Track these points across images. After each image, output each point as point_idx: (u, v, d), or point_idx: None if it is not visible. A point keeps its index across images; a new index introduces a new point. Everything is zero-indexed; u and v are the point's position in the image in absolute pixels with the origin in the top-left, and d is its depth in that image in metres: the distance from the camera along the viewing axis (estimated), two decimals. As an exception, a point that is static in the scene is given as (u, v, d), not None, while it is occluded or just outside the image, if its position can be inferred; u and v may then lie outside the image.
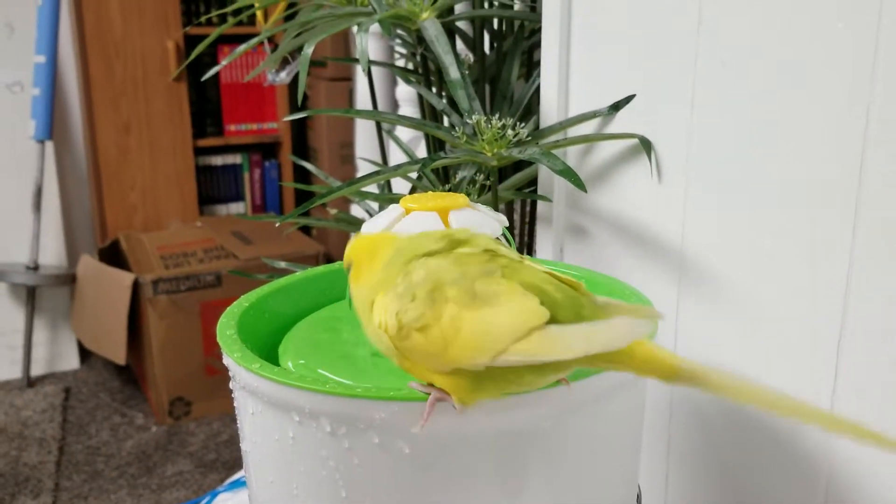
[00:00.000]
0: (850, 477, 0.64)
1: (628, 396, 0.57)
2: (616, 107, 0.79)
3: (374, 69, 1.49)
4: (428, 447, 0.50)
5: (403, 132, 1.42)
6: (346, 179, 0.85)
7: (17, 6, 1.95)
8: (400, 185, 1.25)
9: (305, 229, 2.21)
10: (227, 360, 0.56)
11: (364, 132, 1.65)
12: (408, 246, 0.48)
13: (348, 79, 2.10)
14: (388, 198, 0.92)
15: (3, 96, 1.97)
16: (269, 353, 0.63)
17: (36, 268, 1.96)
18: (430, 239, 0.48)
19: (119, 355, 1.85)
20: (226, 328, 0.59)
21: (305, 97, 2.28)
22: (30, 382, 2.00)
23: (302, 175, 2.36)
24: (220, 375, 1.86)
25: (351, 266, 0.50)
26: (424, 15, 0.89)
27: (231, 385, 0.59)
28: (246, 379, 0.54)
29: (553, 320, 0.43)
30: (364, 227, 0.61)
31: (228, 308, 0.62)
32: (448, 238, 0.47)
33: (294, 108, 2.27)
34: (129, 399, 1.95)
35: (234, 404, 0.59)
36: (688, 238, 0.74)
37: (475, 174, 0.87)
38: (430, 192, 0.64)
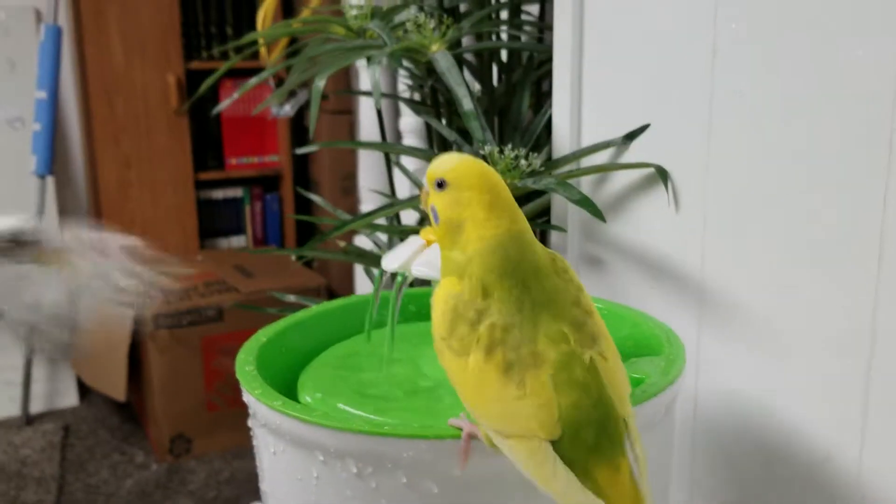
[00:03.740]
0: (880, 511, 0.62)
1: (656, 437, 0.55)
2: (630, 136, 0.79)
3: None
4: (457, 487, 0.49)
5: (409, 163, 1.42)
6: (348, 211, 0.85)
7: (18, 42, 1.95)
8: (408, 215, 1.24)
9: (307, 263, 2.20)
10: (247, 397, 0.55)
11: (367, 163, 1.64)
12: (518, 266, 0.46)
13: (349, 112, 2.10)
14: (398, 229, 0.91)
15: (4, 132, 1.97)
16: (287, 389, 0.61)
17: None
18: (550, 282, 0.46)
19: (119, 391, 1.83)
20: (244, 364, 0.58)
21: (307, 130, 2.28)
22: (28, 420, 1.97)
23: (302, 207, 2.35)
24: (221, 411, 1.84)
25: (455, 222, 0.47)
26: (434, 47, 0.89)
27: (250, 422, 0.57)
28: (267, 417, 0.52)
29: (570, 431, 0.43)
30: (385, 262, 0.60)
31: (246, 343, 0.61)
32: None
33: (297, 139, 2.27)
34: (128, 436, 1.92)
35: (254, 442, 0.57)
36: (707, 268, 0.74)
37: (487, 205, 0.86)
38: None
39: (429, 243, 0.60)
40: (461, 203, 0.47)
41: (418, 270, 0.57)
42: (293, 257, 2.14)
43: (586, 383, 0.44)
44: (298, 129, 2.27)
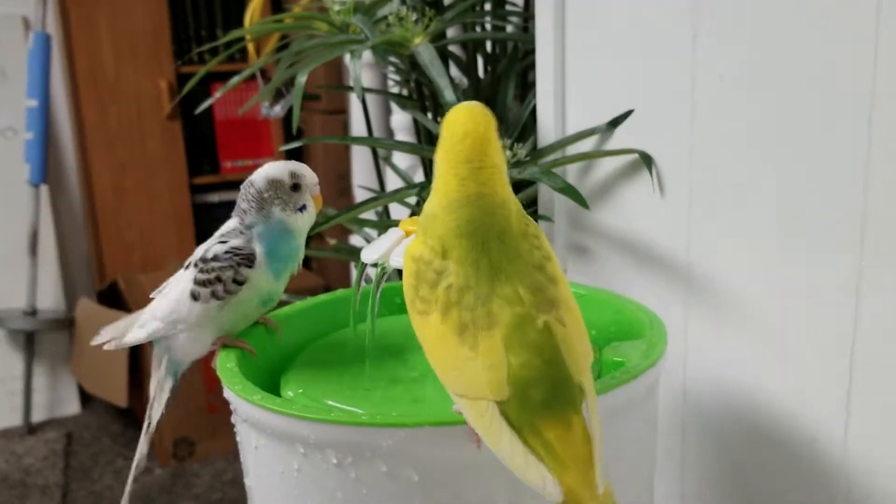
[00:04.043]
0: (866, 493, 0.62)
1: (639, 419, 0.55)
2: (614, 123, 0.79)
3: (369, 99, 1.49)
4: (437, 474, 0.49)
5: (401, 162, 1.42)
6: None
7: (7, 52, 1.96)
8: (398, 213, 1.24)
9: (306, 263, 2.20)
10: (227, 394, 0.55)
11: (361, 163, 1.64)
12: (482, 225, 0.46)
13: (343, 111, 2.10)
14: (387, 223, 0.91)
15: (-3, 141, 1.97)
16: (271, 385, 0.61)
17: (34, 313, 1.94)
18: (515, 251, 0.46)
19: (120, 397, 1.83)
20: (226, 361, 0.58)
21: (301, 131, 2.29)
22: (30, 429, 1.97)
23: (299, 209, 2.35)
24: (223, 413, 1.83)
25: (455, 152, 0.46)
26: (417, 40, 0.89)
27: (233, 419, 0.57)
28: (248, 412, 0.52)
29: (519, 390, 0.43)
30: (364, 254, 0.60)
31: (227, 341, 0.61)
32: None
33: (291, 141, 2.27)
34: (131, 442, 1.92)
35: (237, 439, 0.57)
36: (693, 251, 0.73)
37: (474, 197, 0.86)
38: (429, 215, 0.63)
39: (408, 234, 0.59)
40: (437, 151, 0.47)
41: (397, 262, 0.57)
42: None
43: (538, 345, 0.44)
44: (291, 130, 2.27)
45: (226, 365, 0.57)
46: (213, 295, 0.59)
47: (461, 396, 0.44)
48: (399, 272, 0.66)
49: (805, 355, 0.65)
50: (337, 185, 2.16)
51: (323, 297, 0.70)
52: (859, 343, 0.60)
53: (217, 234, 0.63)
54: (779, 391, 0.67)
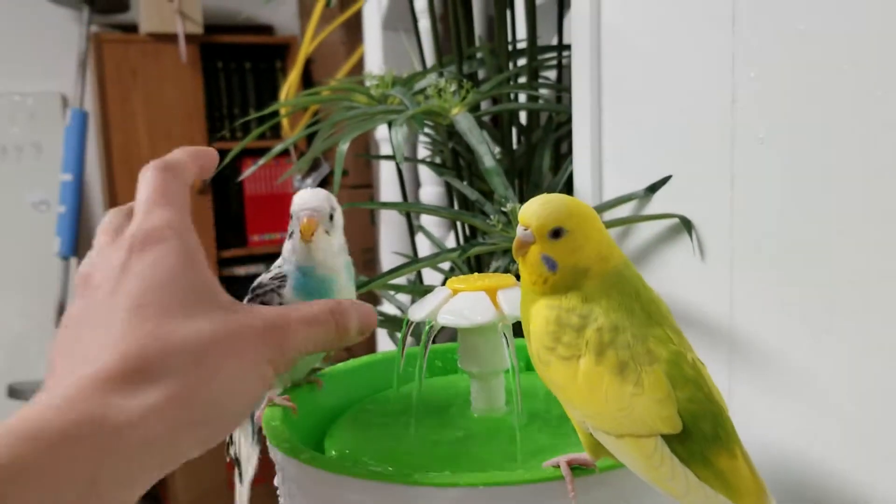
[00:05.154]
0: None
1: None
2: (652, 189, 0.79)
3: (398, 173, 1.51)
4: (493, 537, 0.47)
5: (431, 228, 1.43)
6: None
7: (44, 127, 2.02)
8: (430, 277, 1.24)
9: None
10: (274, 454, 0.54)
11: (389, 234, 1.65)
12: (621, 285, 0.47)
13: (369, 186, 2.13)
14: (423, 289, 0.91)
15: (29, 215, 2.01)
16: (314, 446, 0.60)
17: (58, 384, 1.94)
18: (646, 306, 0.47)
19: (141, 472, 1.80)
20: (271, 419, 0.57)
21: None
22: (48, 504, 1.94)
23: (324, 283, 2.36)
24: (244, 490, 1.80)
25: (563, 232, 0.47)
26: (455, 111, 0.91)
27: (276, 482, 0.56)
28: (295, 472, 0.51)
29: (690, 424, 0.44)
30: (411, 312, 0.60)
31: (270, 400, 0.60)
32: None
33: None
34: (150, 518, 1.89)
35: (280, 501, 0.56)
36: (736, 317, 0.72)
37: (509, 264, 0.86)
38: (475, 274, 0.63)
39: (455, 292, 0.59)
40: (585, 247, 0.47)
41: (445, 319, 0.57)
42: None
43: (696, 380, 0.45)
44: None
45: (271, 423, 0.56)
46: None
47: (622, 437, 0.44)
48: (443, 336, 0.66)
49: (857, 417, 0.63)
50: (362, 258, 2.17)
51: (365, 359, 0.70)
52: (918, 407, 0.59)
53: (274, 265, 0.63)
54: (829, 455, 0.65)
